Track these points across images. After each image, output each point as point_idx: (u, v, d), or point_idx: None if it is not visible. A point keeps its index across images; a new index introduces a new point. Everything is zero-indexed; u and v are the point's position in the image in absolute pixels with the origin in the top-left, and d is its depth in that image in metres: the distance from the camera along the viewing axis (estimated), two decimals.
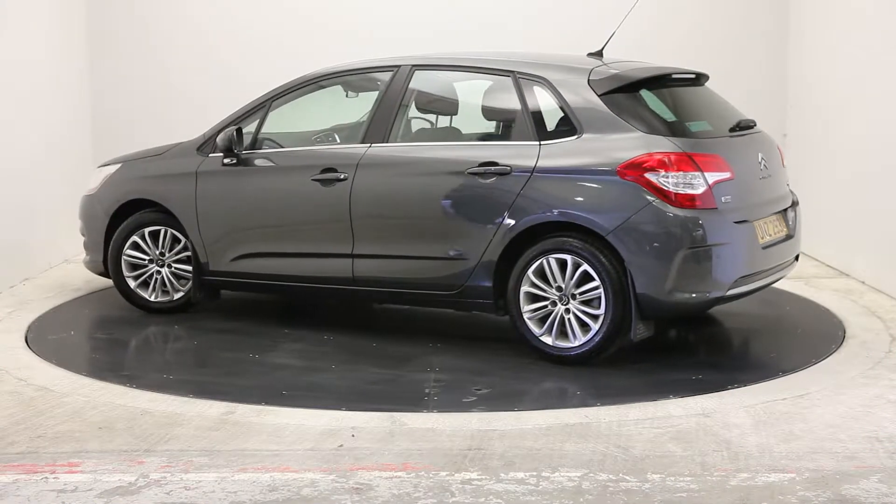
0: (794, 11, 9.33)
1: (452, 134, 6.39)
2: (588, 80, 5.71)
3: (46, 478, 4.04)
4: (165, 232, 6.68)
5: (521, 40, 8.92)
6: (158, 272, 6.73)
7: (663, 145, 5.43)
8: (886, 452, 4.25)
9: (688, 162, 5.39)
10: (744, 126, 6.03)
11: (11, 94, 7.70)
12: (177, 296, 6.74)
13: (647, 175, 5.36)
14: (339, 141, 6.64)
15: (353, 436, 4.49)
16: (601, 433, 4.50)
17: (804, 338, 6.25)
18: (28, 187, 7.78)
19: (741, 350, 6.24)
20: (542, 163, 5.60)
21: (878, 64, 7.39)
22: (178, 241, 6.66)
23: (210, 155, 6.50)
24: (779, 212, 5.98)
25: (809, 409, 4.81)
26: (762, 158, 5.94)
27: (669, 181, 5.34)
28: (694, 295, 5.42)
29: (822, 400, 4.95)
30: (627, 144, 5.47)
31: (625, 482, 3.95)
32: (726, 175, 5.53)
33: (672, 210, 5.33)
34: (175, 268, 6.71)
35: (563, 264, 5.51)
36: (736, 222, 5.52)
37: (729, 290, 5.51)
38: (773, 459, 4.17)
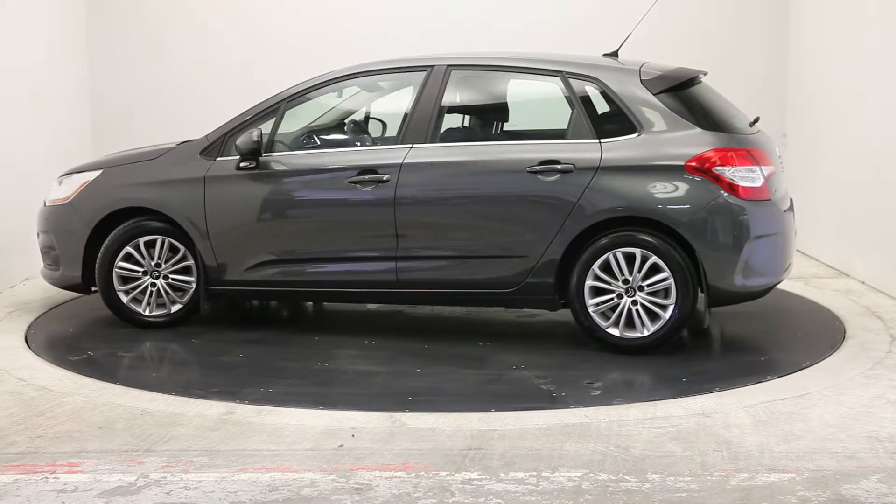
0: (794, 11, 9.33)
1: (501, 134, 6.42)
2: (640, 79, 5.88)
3: (46, 478, 4.03)
4: (163, 241, 6.28)
5: (516, 41, 8.95)
6: (153, 284, 6.33)
7: (724, 141, 5.73)
8: (886, 452, 4.25)
9: (748, 156, 5.72)
10: (756, 122, 6.26)
11: (11, 95, 7.70)
12: (174, 308, 6.34)
13: (715, 169, 5.62)
14: (319, 143, 6.49)
15: (353, 436, 4.49)
16: (601, 433, 4.50)
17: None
18: (28, 187, 7.78)
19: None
20: (607, 160, 5.72)
21: (878, 64, 7.39)
22: (175, 250, 6.30)
23: (218, 159, 6.24)
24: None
25: (809, 409, 4.81)
26: (779, 153, 6.24)
27: (736, 175, 5.63)
28: (758, 282, 5.81)
29: (822, 400, 4.96)
30: (689, 141, 5.71)
31: (625, 482, 3.95)
32: (772, 168, 5.87)
33: (739, 202, 5.62)
34: (172, 279, 6.33)
35: (629, 257, 5.67)
36: (784, 211, 5.93)
37: (782, 275, 5.94)
38: (773, 459, 4.17)
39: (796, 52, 9.28)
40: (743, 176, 5.64)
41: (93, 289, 6.51)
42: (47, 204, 6.71)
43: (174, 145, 6.60)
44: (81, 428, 4.62)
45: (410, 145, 6.02)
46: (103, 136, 9.37)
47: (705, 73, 6.36)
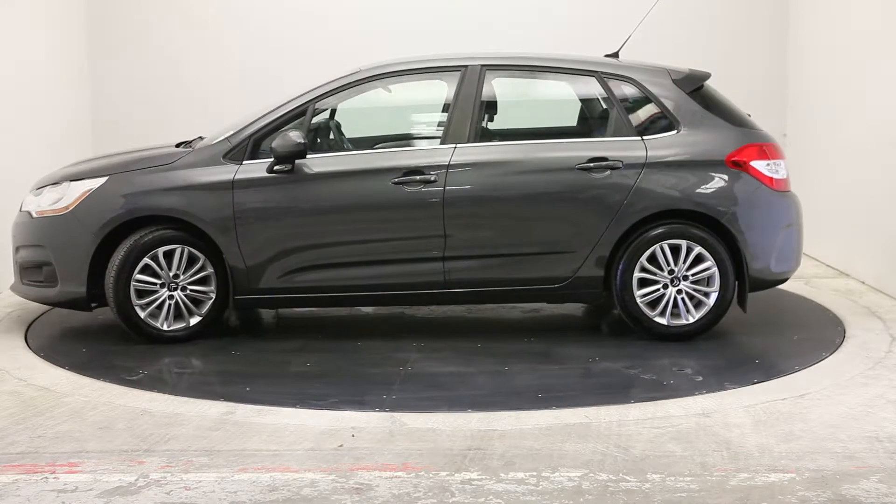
0: (794, 12, 9.34)
1: (542, 132, 6.53)
2: (672, 79, 6.16)
3: (46, 478, 4.04)
4: (182, 251, 5.96)
5: (515, 42, 8.96)
6: (171, 297, 6.00)
7: (756, 136, 6.10)
8: (886, 452, 4.25)
9: (776, 150, 6.14)
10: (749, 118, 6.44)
11: (11, 95, 7.70)
12: (193, 321, 6.03)
13: (752, 163, 5.98)
14: (354, 145, 6.48)
15: (353, 436, 4.49)
16: (601, 433, 4.50)
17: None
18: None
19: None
20: (652, 157, 5.96)
21: (878, 64, 7.39)
22: (193, 260, 5.98)
23: (245, 162, 5.97)
24: None
25: (809, 409, 4.81)
26: None
27: (771, 168, 6.04)
28: (786, 267, 6.17)
29: (822, 400, 4.96)
30: (725, 137, 6.05)
31: (625, 482, 3.95)
32: (786, 161, 6.22)
33: (772, 193, 6.03)
34: (191, 290, 6.01)
35: (674, 249, 5.96)
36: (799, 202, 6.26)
37: (800, 261, 6.30)
38: (773, 459, 4.17)
39: (796, 52, 9.29)
40: (774, 169, 6.03)
41: (93, 305, 6.14)
42: (34, 215, 6.21)
43: (171, 147, 6.37)
44: (81, 428, 4.62)
45: (454, 145, 6.02)
46: (103, 136, 9.37)
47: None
